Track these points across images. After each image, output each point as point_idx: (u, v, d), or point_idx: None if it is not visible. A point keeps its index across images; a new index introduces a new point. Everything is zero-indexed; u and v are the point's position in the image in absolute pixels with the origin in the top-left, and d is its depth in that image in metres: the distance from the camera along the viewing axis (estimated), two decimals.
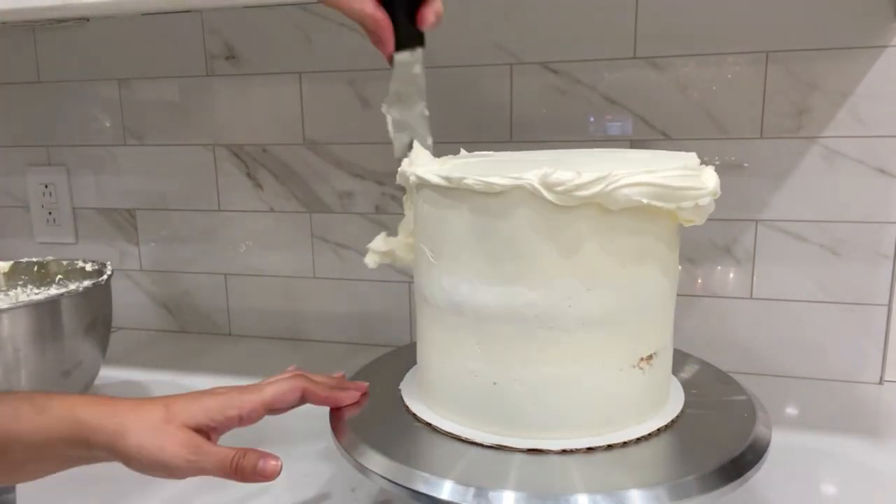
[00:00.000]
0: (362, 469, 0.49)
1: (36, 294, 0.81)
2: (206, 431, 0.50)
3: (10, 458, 0.47)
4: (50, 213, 1.08)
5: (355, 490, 0.62)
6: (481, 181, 0.47)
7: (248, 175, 0.98)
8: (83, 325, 0.69)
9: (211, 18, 0.95)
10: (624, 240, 0.48)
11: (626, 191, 0.46)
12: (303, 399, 0.55)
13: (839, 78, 0.76)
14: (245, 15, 0.94)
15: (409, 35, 0.58)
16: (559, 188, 0.46)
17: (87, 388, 0.74)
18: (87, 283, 0.70)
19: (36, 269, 0.83)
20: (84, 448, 0.47)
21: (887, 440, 0.69)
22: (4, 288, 0.83)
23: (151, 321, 1.07)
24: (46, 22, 0.99)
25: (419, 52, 0.58)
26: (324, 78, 0.92)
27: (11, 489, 0.64)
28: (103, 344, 0.74)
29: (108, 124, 1.03)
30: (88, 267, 0.79)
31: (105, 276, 0.72)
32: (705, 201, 0.48)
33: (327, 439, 0.55)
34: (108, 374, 0.80)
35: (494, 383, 0.51)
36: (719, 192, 0.49)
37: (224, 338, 1.04)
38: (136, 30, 0.98)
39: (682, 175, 0.48)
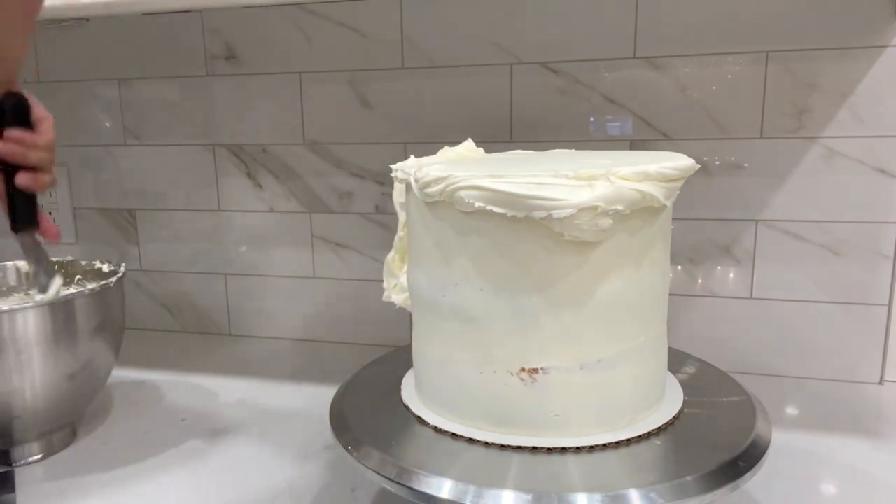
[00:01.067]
0: (361, 468, 0.49)
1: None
2: None
3: None
4: (50, 213, 1.08)
5: (355, 490, 0.62)
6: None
7: (248, 175, 0.98)
8: (95, 325, 0.69)
9: (211, 18, 0.95)
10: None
11: (463, 193, 0.47)
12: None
13: (839, 78, 0.76)
14: (245, 15, 0.94)
15: (25, 211, 0.63)
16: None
17: (100, 388, 0.74)
18: (98, 283, 0.71)
19: (56, 269, 0.83)
20: None
21: (887, 440, 0.69)
22: (25, 287, 0.83)
23: (151, 321, 1.07)
24: (46, 22, 0.99)
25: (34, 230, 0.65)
26: (324, 78, 0.92)
27: (11, 489, 0.64)
28: (116, 344, 0.74)
29: (108, 124, 1.03)
30: (105, 268, 0.79)
31: (115, 278, 0.73)
32: (561, 213, 0.45)
33: (327, 439, 0.55)
34: (115, 374, 0.80)
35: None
36: (606, 208, 0.45)
37: (224, 338, 1.04)
38: (136, 30, 0.98)
39: (538, 183, 0.45)
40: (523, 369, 0.50)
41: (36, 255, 0.68)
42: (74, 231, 1.08)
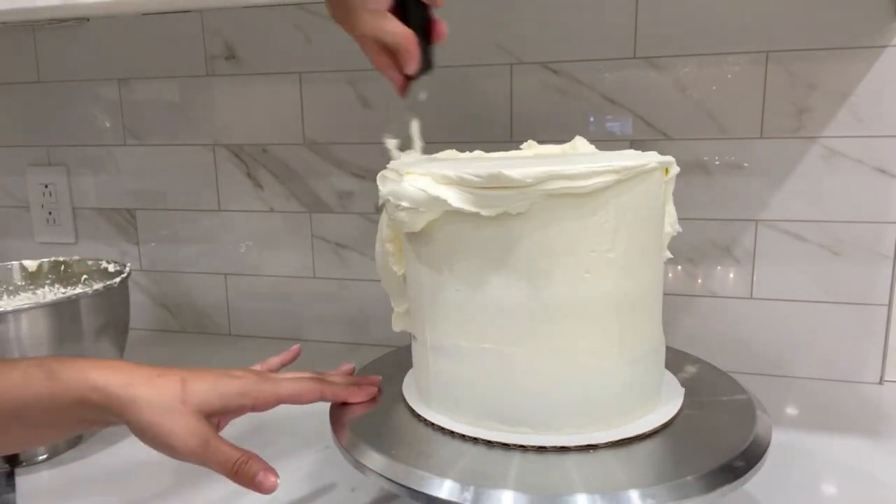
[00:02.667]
0: (362, 468, 0.49)
1: (63, 293, 0.82)
2: (219, 415, 0.51)
3: (25, 422, 0.47)
4: (50, 213, 1.08)
5: (355, 490, 0.62)
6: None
7: (248, 175, 0.98)
8: (100, 325, 0.69)
9: (211, 18, 0.95)
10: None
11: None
12: (320, 398, 0.55)
13: (839, 78, 0.76)
14: (245, 15, 0.94)
15: (424, 57, 0.57)
16: None
17: None
18: (104, 283, 0.71)
19: (63, 268, 0.83)
20: (96, 412, 0.47)
21: (887, 440, 0.69)
22: (32, 287, 0.83)
23: (151, 321, 1.07)
24: (46, 22, 0.99)
25: (428, 75, 0.58)
26: (324, 78, 0.92)
27: (12, 489, 0.64)
28: (120, 344, 0.74)
29: (108, 124, 1.03)
30: (111, 268, 0.79)
31: (118, 279, 0.73)
32: (381, 202, 0.52)
33: (327, 439, 0.55)
34: None
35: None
36: (394, 202, 0.49)
37: (224, 338, 1.04)
38: (136, 30, 0.98)
39: (384, 176, 0.52)
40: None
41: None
42: (74, 231, 1.08)
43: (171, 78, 0.99)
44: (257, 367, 0.59)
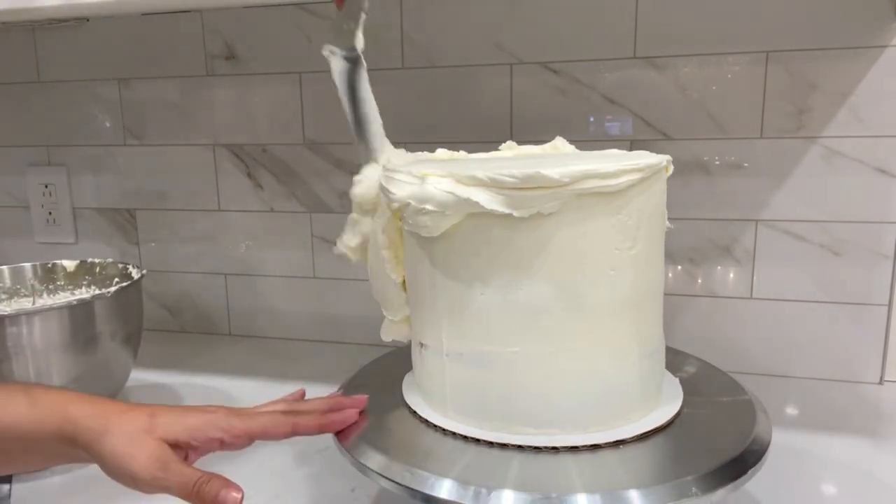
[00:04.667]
0: (362, 468, 0.49)
1: (74, 296, 0.83)
2: (185, 449, 0.49)
3: (2, 446, 0.48)
4: (50, 213, 1.08)
5: (355, 490, 0.62)
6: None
7: (248, 175, 0.98)
8: (113, 328, 0.69)
9: (211, 18, 0.95)
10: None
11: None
12: (293, 433, 0.52)
13: (839, 78, 0.76)
14: (245, 15, 0.94)
15: None
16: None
17: (118, 390, 0.74)
18: (118, 285, 0.71)
19: (98, 270, 0.85)
20: (69, 445, 0.48)
21: (887, 440, 0.69)
22: (71, 287, 0.85)
23: (151, 321, 1.07)
24: (46, 22, 0.99)
25: None
26: (324, 78, 0.92)
27: (8, 482, 0.64)
28: (134, 346, 0.74)
29: (108, 124, 1.03)
30: (135, 273, 0.79)
31: (129, 281, 0.73)
32: (393, 206, 0.50)
33: (327, 438, 0.55)
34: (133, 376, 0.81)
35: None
36: (417, 206, 0.48)
37: (224, 338, 1.04)
38: (136, 30, 0.98)
39: (389, 177, 0.52)
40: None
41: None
42: (74, 231, 1.08)
43: (171, 78, 0.99)
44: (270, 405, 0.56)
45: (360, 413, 0.55)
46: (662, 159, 0.51)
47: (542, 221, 0.47)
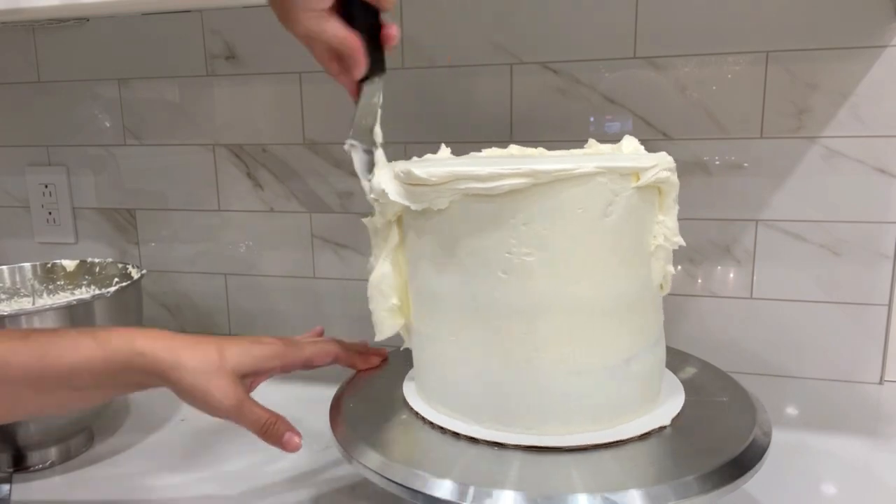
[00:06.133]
0: (362, 468, 0.49)
1: (73, 296, 0.83)
2: (252, 376, 0.56)
3: (73, 385, 0.51)
4: (50, 213, 1.08)
5: (355, 490, 0.62)
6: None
7: (248, 175, 0.98)
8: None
9: (211, 18, 0.95)
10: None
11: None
12: (334, 361, 0.61)
13: (839, 78, 0.76)
14: (245, 15, 0.93)
15: (374, 60, 0.56)
16: None
17: None
18: (118, 285, 0.71)
19: (98, 270, 0.85)
20: (142, 375, 0.51)
21: (887, 440, 0.69)
22: (71, 287, 0.85)
23: (151, 321, 1.07)
24: (46, 22, 0.99)
25: (379, 81, 0.57)
26: (324, 78, 0.91)
27: (8, 482, 0.64)
28: None
29: (108, 124, 1.03)
30: (135, 273, 0.80)
31: (129, 281, 0.73)
32: (375, 203, 0.56)
33: (327, 439, 0.55)
34: None
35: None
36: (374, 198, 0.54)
37: None
38: (136, 30, 0.98)
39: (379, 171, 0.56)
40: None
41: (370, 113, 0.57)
42: (74, 231, 1.08)
43: (171, 78, 0.99)
44: None
45: (382, 361, 0.65)
46: (576, 166, 0.47)
47: (434, 216, 0.51)
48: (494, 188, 0.48)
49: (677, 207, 0.53)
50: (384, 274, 0.59)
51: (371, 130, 0.58)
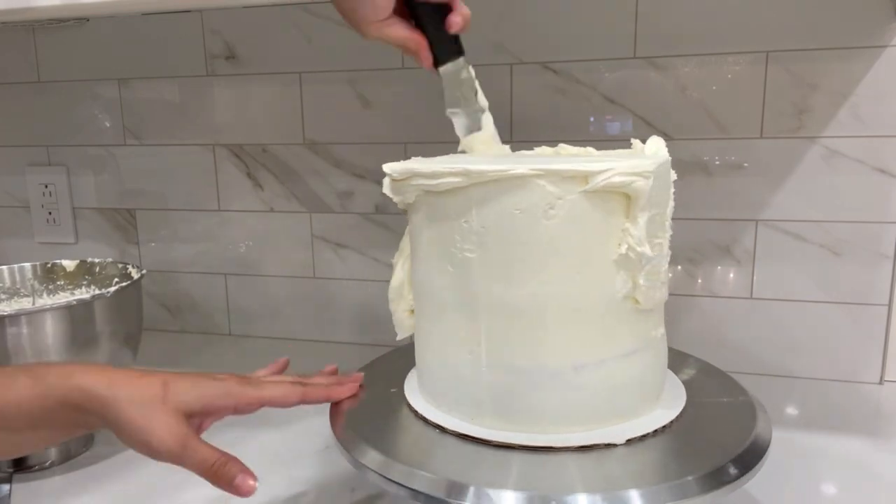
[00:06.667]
0: (362, 468, 0.49)
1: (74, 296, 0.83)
2: (200, 416, 0.50)
3: (9, 426, 0.47)
4: (50, 213, 1.08)
5: (355, 490, 0.62)
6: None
7: (248, 175, 0.98)
8: (113, 328, 0.69)
9: (211, 18, 0.95)
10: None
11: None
12: (301, 402, 0.54)
13: (839, 78, 0.76)
14: (245, 15, 0.94)
15: (446, 47, 0.62)
16: None
17: None
18: (118, 285, 0.71)
19: (98, 270, 0.85)
20: (80, 413, 0.47)
21: (887, 440, 0.69)
22: (71, 287, 0.84)
23: (151, 321, 1.07)
24: (46, 22, 0.99)
25: (461, 60, 0.62)
26: (324, 78, 0.92)
27: (8, 482, 0.64)
28: (133, 346, 0.75)
29: (108, 124, 1.03)
30: (135, 273, 0.79)
31: (129, 281, 0.73)
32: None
33: (327, 438, 0.55)
34: None
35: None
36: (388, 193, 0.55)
37: (224, 338, 1.04)
38: (136, 30, 0.98)
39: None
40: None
41: (464, 90, 0.64)
42: (74, 231, 1.08)
43: (171, 78, 0.99)
44: None
45: (360, 387, 0.59)
46: (510, 168, 0.47)
47: (411, 211, 0.55)
48: (438, 185, 0.50)
49: (647, 214, 0.49)
50: (405, 274, 0.60)
51: (471, 99, 0.64)
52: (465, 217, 0.50)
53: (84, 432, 0.50)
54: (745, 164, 0.80)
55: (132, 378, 0.48)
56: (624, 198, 0.49)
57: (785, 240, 0.81)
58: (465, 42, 0.85)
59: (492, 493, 0.44)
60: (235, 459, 0.48)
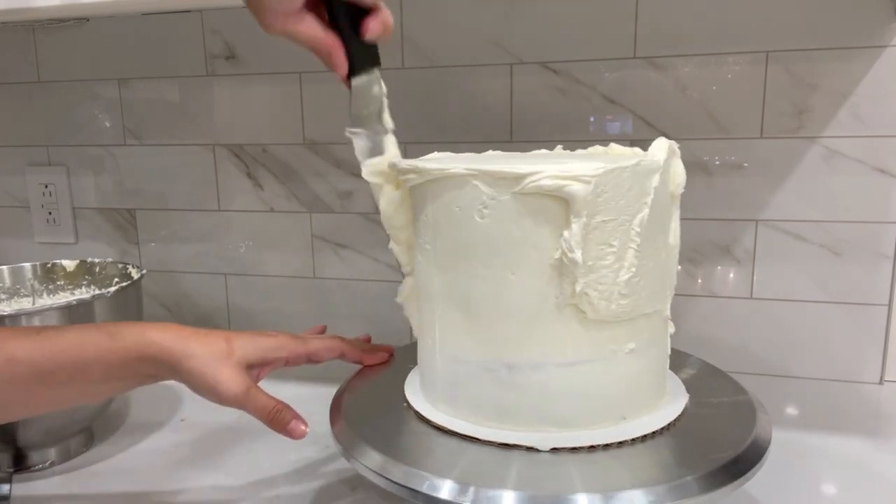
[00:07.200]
0: (362, 469, 0.49)
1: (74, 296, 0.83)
2: (258, 367, 0.56)
3: (85, 377, 0.52)
4: (50, 213, 1.08)
5: (355, 490, 0.62)
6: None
7: (248, 175, 0.98)
8: None
9: (211, 18, 0.95)
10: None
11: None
12: (340, 356, 0.62)
13: (839, 78, 0.76)
14: (245, 15, 0.92)
15: (362, 56, 0.55)
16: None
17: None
18: (118, 285, 0.71)
19: (98, 270, 0.85)
20: (153, 365, 0.53)
21: (887, 440, 0.69)
22: (71, 287, 0.85)
23: (151, 321, 1.07)
24: (46, 22, 0.99)
25: (376, 72, 0.56)
26: (324, 78, 0.92)
27: (8, 482, 0.65)
28: None
29: (108, 124, 1.03)
30: (135, 273, 0.79)
31: (129, 281, 0.73)
32: None
33: (328, 439, 0.55)
34: None
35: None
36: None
37: None
38: (136, 30, 0.98)
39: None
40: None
41: (370, 102, 0.57)
42: (74, 231, 1.08)
43: (171, 78, 0.99)
44: None
45: (390, 356, 0.65)
46: (446, 167, 0.50)
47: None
48: (406, 180, 0.54)
49: (584, 220, 0.47)
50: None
51: (375, 118, 0.59)
52: (424, 211, 0.54)
53: (153, 382, 0.55)
54: (745, 164, 0.80)
55: (199, 335, 0.54)
56: (563, 202, 0.47)
57: (785, 240, 0.81)
58: (465, 40, 0.86)
59: (492, 493, 0.44)
60: (289, 407, 0.54)
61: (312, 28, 0.53)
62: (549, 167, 0.47)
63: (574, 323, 0.49)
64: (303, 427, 0.54)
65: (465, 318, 0.52)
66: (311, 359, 0.60)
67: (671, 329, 0.56)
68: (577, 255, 0.47)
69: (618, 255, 0.48)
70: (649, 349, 0.53)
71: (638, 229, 0.49)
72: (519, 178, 0.47)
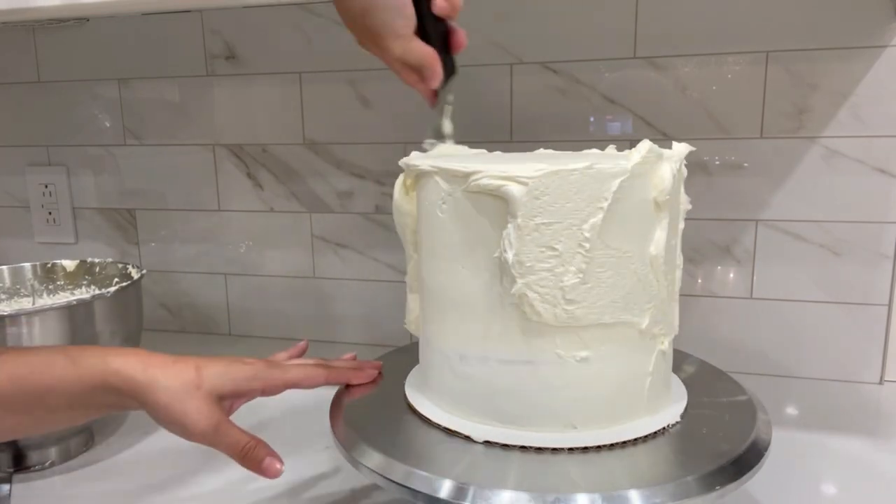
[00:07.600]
0: (362, 468, 0.49)
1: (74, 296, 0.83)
2: (231, 397, 0.53)
3: (46, 405, 0.49)
4: (50, 213, 1.08)
5: (355, 490, 0.62)
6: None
7: (248, 175, 0.98)
8: (113, 328, 0.69)
9: (211, 18, 0.95)
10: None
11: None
12: (324, 384, 0.57)
13: (839, 78, 0.76)
14: (245, 15, 0.94)
15: (449, 66, 0.60)
16: None
17: None
18: (118, 285, 0.71)
19: (98, 270, 0.85)
20: (115, 395, 0.49)
21: (887, 440, 0.69)
22: (71, 287, 0.85)
23: (151, 321, 1.07)
24: (46, 22, 0.99)
25: (452, 80, 0.61)
26: (324, 78, 0.92)
27: (8, 482, 0.64)
28: (134, 347, 0.75)
29: (108, 124, 1.03)
30: (135, 273, 0.79)
31: (129, 281, 0.73)
32: None
33: (328, 439, 0.55)
34: None
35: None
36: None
37: (224, 338, 1.04)
38: (136, 30, 0.98)
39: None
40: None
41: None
42: (74, 231, 1.08)
43: (171, 78, 0.99)
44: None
45: (378, 374, 0.61)
46: (417, 163, 0.53)
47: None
48: (406, 174, 0.57)
49: (519, 221, 0.47)
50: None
51: (441, 128, 0.62)
52: (414, 204, 0.57)
53: (118, 412, 0.52)
54: (745, 164, 0.80)
55: (167, 363, 0.50)
56: (506, 201, 0.47)
57: (785, 240, 0.81)
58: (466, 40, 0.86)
59: (492, 493, 0.44)
60: (263, 443, 0.51)
61: (421, 45, 0.58)
62: (493, 167, 0.48)
63: (516, 322, 0.49)
64: (278, 465, 0.50)
65: (436, 309, 0.54)
66: (290, 387, 0.56)
67: (661, 345, 0.53)
68: (510, 255, 0.47)
69: (562, 259, 0.47)
70: (612, 360, 0.50)
71: (588, 234, 0.47)
72: (466, 175, 0.49)
